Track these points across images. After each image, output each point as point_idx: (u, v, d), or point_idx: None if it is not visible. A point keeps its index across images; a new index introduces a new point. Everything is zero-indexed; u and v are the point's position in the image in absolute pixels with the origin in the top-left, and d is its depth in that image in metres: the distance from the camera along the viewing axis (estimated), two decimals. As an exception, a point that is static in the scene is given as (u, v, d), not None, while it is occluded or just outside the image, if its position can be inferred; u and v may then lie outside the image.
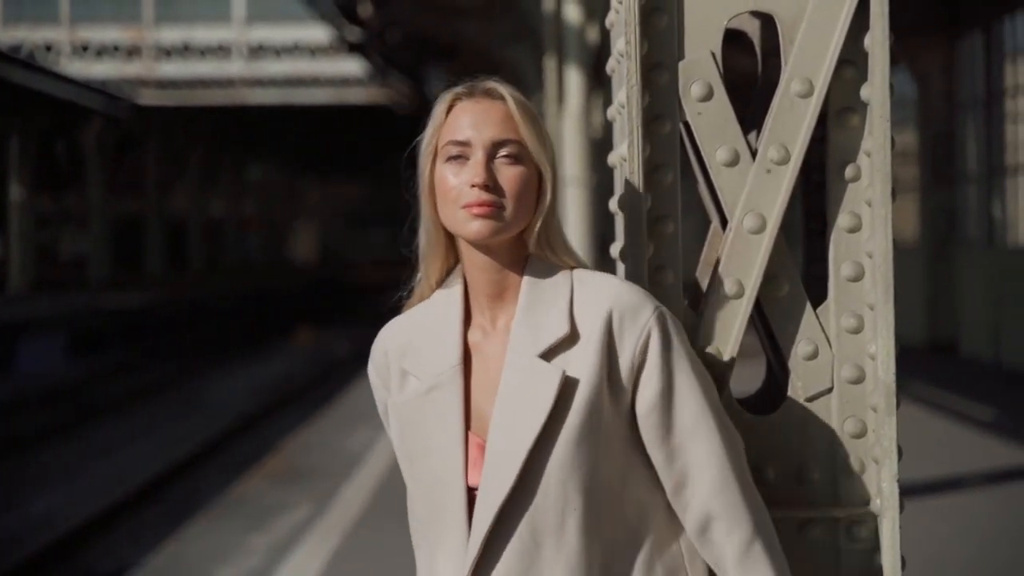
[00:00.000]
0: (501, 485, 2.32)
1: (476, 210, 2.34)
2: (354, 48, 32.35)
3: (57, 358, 28.60)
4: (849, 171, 2.74)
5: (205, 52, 44.12)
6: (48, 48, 43.78)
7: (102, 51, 43.98)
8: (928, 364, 17.86)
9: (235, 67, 44.10)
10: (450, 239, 2.46)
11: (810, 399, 2.73)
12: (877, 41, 2.68)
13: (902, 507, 2.68)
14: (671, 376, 2.38)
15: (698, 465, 2.37)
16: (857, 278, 2.74)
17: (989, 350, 18.27)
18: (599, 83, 12.00)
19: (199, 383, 25.51)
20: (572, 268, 2.44)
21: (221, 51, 44.18)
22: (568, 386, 2.33)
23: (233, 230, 60.18)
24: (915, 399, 13.84)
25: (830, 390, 2.72)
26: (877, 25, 2.68)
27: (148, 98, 43.21)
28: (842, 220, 2.75)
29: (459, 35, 24.02)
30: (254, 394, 23.32)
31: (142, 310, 35.10)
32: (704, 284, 2.76)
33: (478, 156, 2.36)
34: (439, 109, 2.44)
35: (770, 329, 2.76)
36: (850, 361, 2.72)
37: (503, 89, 2.42)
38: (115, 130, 43.15)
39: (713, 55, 2.71)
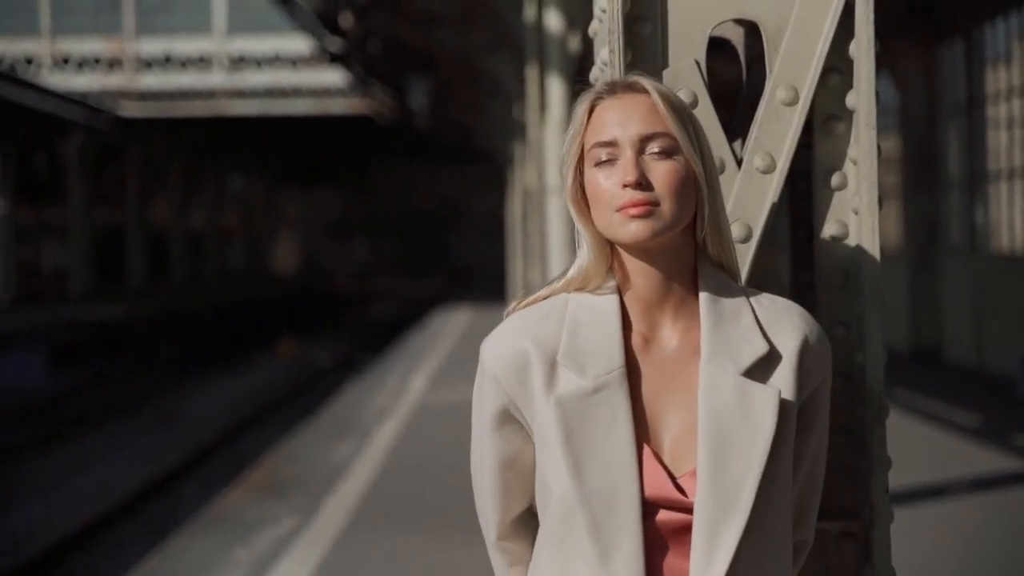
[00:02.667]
0: (731, 515, 2.20)
1: (632, 211, 2.21)
2: (335, 59, 32.32)
3: (37, 371, 28.51)
4: (835, 179, 2.73)
5: (186, 63, 44.02)
6: (29, 60, 43.64)
7: (83, 63, 43.86)
8: (912, 370, 17.88)
9: (216, 78, 44.00)
10: (610, 245, 2.32)
11: (797, 409, 2.70)
12: (862, 48, 2.66)
13: (892, 517, 2.66)
14: (826, 423, 2.40)
15: (818, 497, 2.45)
16: (844, 286, 2.72)
17: (972, 356, 18.29)
18: (580, 91, 11.88)
19: (180, 395, 25.46)
20: (735, 279, 2.35)
21: (202, 62, 44.07)
22: (782, 407, 2.25)
23: (215, 241, 60.06)
24: (899, 405, 13.84)
25: (818, 400, 2.69)
26: (862, 32, 2.66)
27: (129, 110, 43.10)
28: (828, 228, 2.73)
29: (439, 45, 24.00)
30: (236, 406, 23.27)
31: (123, 322, 35.03)
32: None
33: (627, 154, 2.24)
34: (580, 112, 2.32)
35: (757, 338, 2.73)
36: (837, 370, 2.70)
37: (646, 82, 2.29)
38: (96, 142, 43.05)
39: (697, 63, 2.69)
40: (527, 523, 2.45)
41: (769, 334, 2.28)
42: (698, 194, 2.26)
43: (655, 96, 2.26)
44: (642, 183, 2.21)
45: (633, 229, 2.21)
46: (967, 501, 9.98)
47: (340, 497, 11.30)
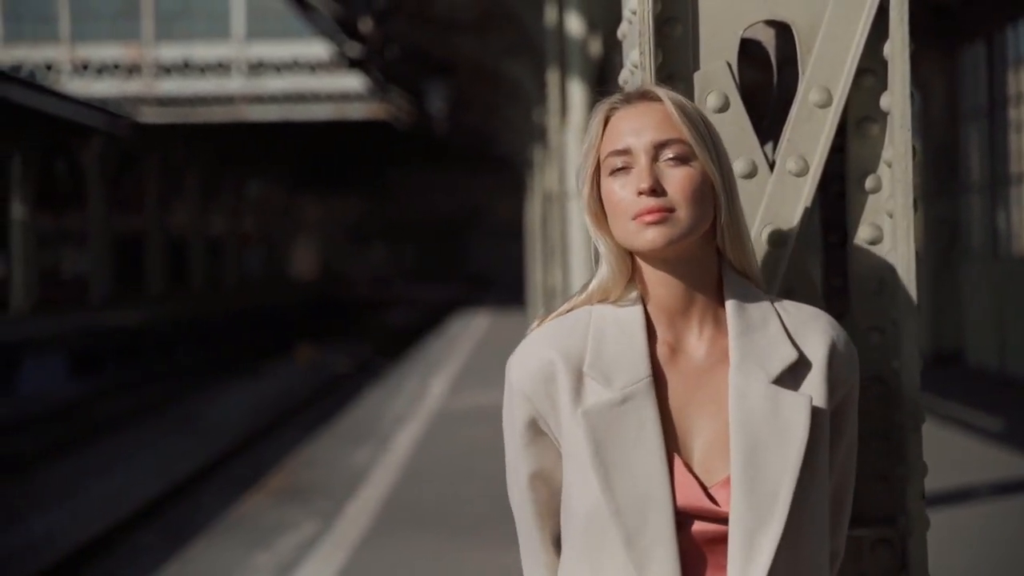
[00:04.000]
0: (767, 523, 2.19)
1: (647, 218, 2.21)
2: (354, 64, 32.32)
3: (58, 378, 28.57)
4: (869, 182, 2.69)
5: (205, 69, 44.11)
6: (48, 67, 43.76)
7: (102, 69, 43.97)
8: (933, 374, 17.80)
9: (235, 84, 44.08)
10: (631, 259, 2.31)
11: (832, 415, 2.66)
12: (897, 49, 2.63)
13: (928, 524, 2.62)
14: (855, 432, 2.39)
15: (849, 507, 2.44)
16: (878, 291, 2.69)
17: (994, 360, 18.22)
18: (602, 96, 11.86)
19: (200, 401, 25.47)
20: (760, 287, 2.34)
21: (221, 68, 44.16)
22: (814, 414, 2.23)
23: (233, 247, 60.14)
24: (921, 411, 13.76)
25: (853, 406, 2.65)
26: (896, 33, 2.63)
27: (148, 116, 43.20)
28: (863, 232, 2.69)
29: (458, 50, 24.00)
30: (255, 412, 23.28)
31: (142, 328, 35.08)
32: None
33: (641, 162, 2.24)
34: (595, 123, 2.32)
35: (790, 344, 2.70)
36: (872, 375, 2.66)
37: (659, 90, 2.29)
38: (116, 148, 43.13)
39: (729, 65, 2.66)
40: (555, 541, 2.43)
41: (797, 341, 2.27)
42: (715, 201, 2.25)
43: (668, 104, 2.26)
44: (656, 190, 2.21)
45: (649, 237, 2.21)
46: (990, 506, 9.93)
47: (360, 502, 11.28)
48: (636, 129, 2.25)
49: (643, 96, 2.29)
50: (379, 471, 12.83)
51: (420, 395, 19.47)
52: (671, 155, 2.23)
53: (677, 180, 2.22)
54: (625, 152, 2.25)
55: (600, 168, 2.29)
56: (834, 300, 2.78)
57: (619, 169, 2.25)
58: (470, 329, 33.36)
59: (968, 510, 9.67)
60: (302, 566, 9.47)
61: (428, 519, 10.36)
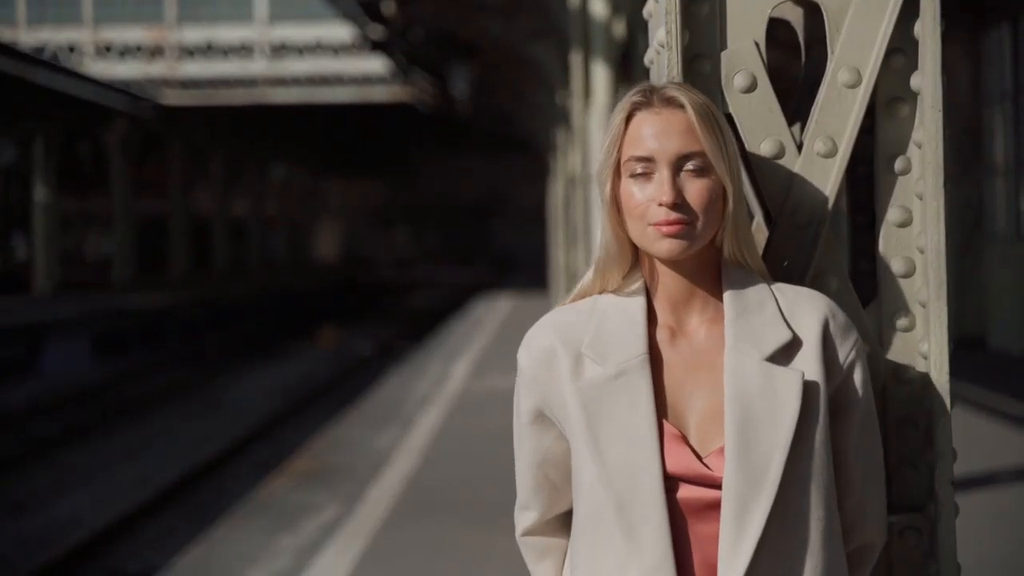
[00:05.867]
0: (759, 492, 2.24)
1: (665, 229, 2.27)
2: (377, 46, 32.33)
3: (82, 360, 28.63)
4: (899, 163, 2.66)
5: (228, 52, 44.16)
6: (71, 49, 43.85)
7: (125, 51, 44.05)
8: (957, 359, 17.67)
9: (258, 66, 44.12)
10: (635, 249, 2.38)
11: (860, 399, 2.63)
12: (928, 28, 2.59)
13: (957, 511, 2.59)
14: (870, 410, 2.40)
15: (877, 496, 2.44)
16: (908, 274, 2.65)
17: (1018, 344, 18.14)
18: (626, 78, 11.83)
19: (224, 384, 25.52)
20: (760, 274, 2.39)
21: (244, 50, 44.21)
22: (807, 389, 2.28)
23: (256, 230, 60.20)
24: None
25: (881, 390, 2.62)
26: (928, 11, 2.59)
27: (171, 98, 43.27)
28: (892, 214, 2.66)
29: (482, 32, 23.96)
30: (279, 394, 23.31)
31: (166, 311, 35.14)
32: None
33: (663, 173, 2.28)
34: (617, 120, 2.35)
35: (818, 327, 2.67)
36: (901, 360, 2.63)
37: (683, 97, 2.32)
38: (138, 130, 43.19)
39: (756, 45, 2.62)
40: (563, 523, 2.52)
41: (792, 322, 2.34)
42: (724, 207, 2.32)
43: (691, 113, 2.30)
44: (678, 203, 2.27)
45: (666, 247, 2.28)
46: (1015, 489, 9.88)
47: (383, 485, 11.28)
48: (659, 137, 2.30)
49: (667, 102, 2.32)
50: (402, 454, 12.83)
51: (443, 378, 19.46)
52: (692, 167, 2.29)
53: (696, 192, 2.29)
54: (647, 159, 2.30)
55: (620, 166, 2.34)
56: (863, 283, 2.74)
57: (639, 174, 2.30)
58: (493, 312, 33.35)
59: (991, 494, 9.63)
60: (326, 548, 9.47)
61: (452, 501, 10.36)
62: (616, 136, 2.34)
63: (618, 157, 2.33)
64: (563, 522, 2.51)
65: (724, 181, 2.30)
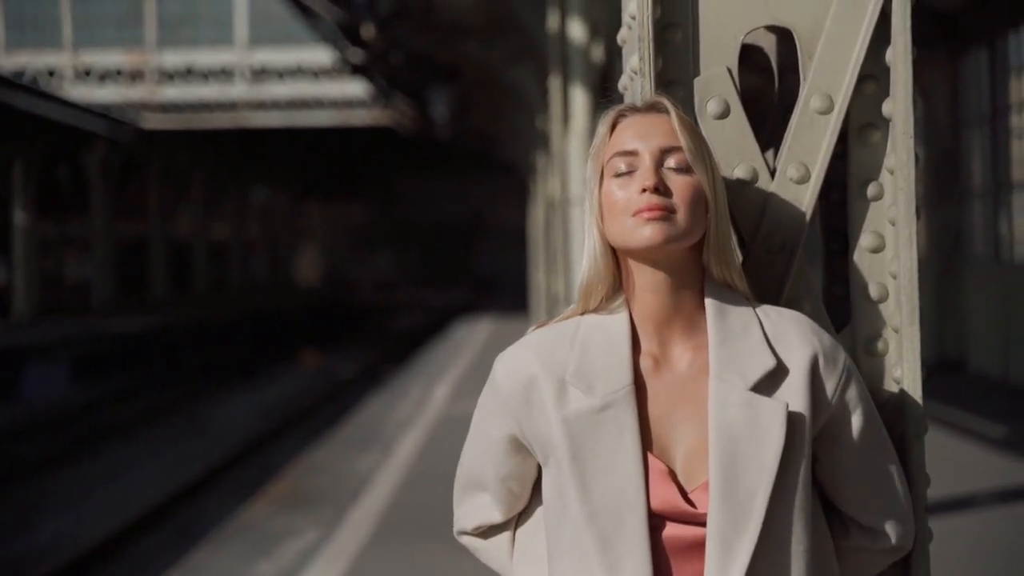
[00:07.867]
0: (744, 527, 2.22)
1: (647, 214, 2.26)
2: (357, 70, 32.32)
3: (61, 384, 28.53)
4: (871, 189, 2.67)
5: (208, 75, 44.11)
6: (51, 73, 43.78)
7: (105, 75, 43.98)
8: (936, 381, 17.75)
9: (238, 90, 44.07)
10: (616, 265, 2.36)
11: (833, 424, 2.64)
12: (899, 55, 2.61)
13: (930, 536, 2.60)
14: (872, 419, 2.39)
15: (895, 505, 2.43)
16: (881, 300, 2.66)
17: (997, 366, 18.18)
18: (605, 102, 11.86)
19: (203, 407, 25.45)
20: (745, 296, 2.38)
21: (224, 74, 44.16)
22: (792, 421, 2.27)
23: (237, 253, 60.10)
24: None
25: (854, 415, 2.62)
26: (899, 39, 2.61)
27: (151, 122, 43.18)
28: (864, 240, 2.67)
29: (462, 56, 23.99)
30: (259, 417, 23.26)
31: (146, 334, 35.04)
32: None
33: (646, 163, 2.29)
34: (602, 128, 2.38)
35: (791, 352, 2.68)
36: (874, 386, 2.64)
37: (667, 103, 2.36)
38: (118, 154, 43.10)
39: (729, 71, 2.63)
40: (505, 527, 2.54)
41: (777, 349, 2.31)
42: (707, 214, 2.31)
43: (675, 118, 2.33)
44: (660, 188, 2.26)
45: (648, 233, 2.25)
46: (994, 512, 9.90)
47: (363, 508, 11.26)
48: (643, 134, 2.31)
49: (652, 107, 2.36)
50: (382, 477, 12.81)
51: (424, 401, 19.44)
52: (674, 163, 2.29)
53: (679, 185, 2.28)
54: (631, 153, 2.30)
55: (604, 171, 2.33)
56: (836, 309, 2.75)
57: (623, 172, 2.30)
58: (474, 335, 33.34)
59: (970, 518, 9.64)
60: (305, 573, 9.45)
61: (432, 525, 10.34)
62: (601, 142, 2.36)
63: (602, 162, 2.34)
64: (501, 528, 2.54)
65: (707, 187, 2.30)
